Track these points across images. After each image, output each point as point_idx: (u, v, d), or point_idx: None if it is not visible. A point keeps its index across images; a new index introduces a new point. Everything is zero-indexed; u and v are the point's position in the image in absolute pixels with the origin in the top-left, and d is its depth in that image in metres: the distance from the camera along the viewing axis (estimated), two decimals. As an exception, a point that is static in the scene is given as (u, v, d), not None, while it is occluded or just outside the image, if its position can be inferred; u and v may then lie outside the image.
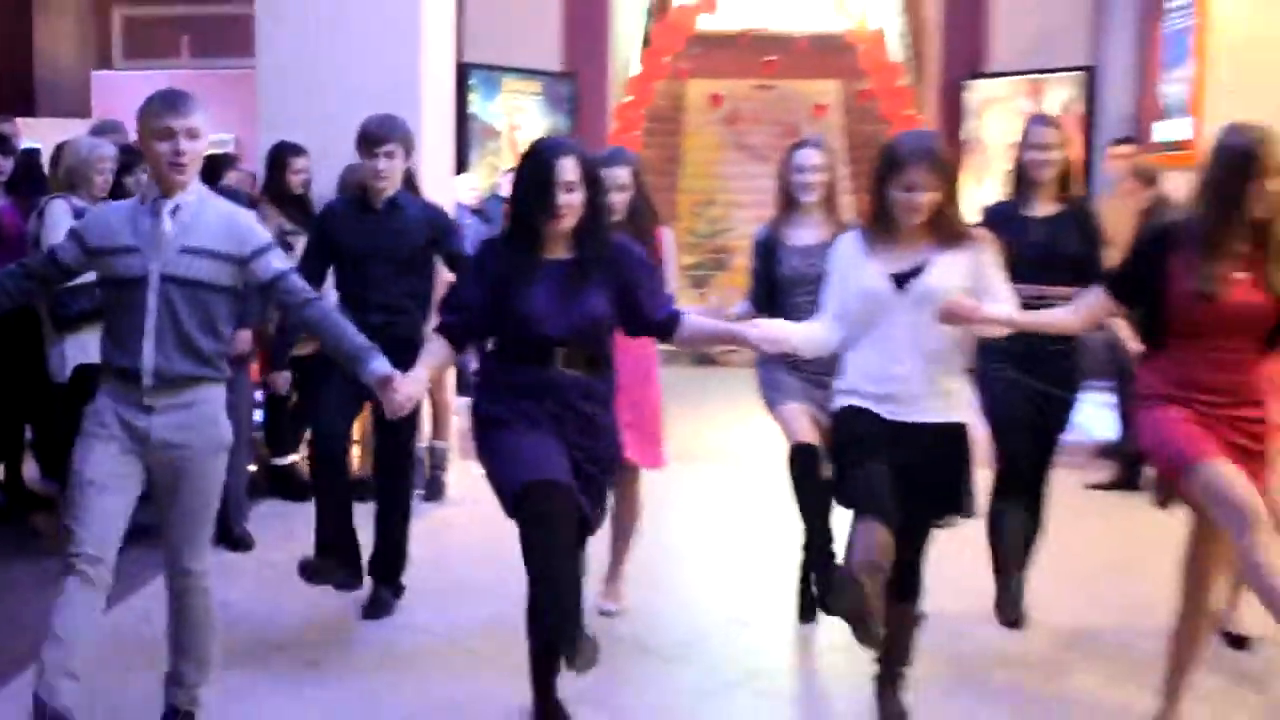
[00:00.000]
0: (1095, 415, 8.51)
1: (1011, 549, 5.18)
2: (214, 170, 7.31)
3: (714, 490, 7.43)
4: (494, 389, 4.05)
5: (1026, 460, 5.11)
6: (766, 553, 6.14)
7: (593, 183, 3.94)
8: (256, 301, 5.23)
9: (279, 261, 3.95)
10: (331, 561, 5.15)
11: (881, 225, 4.08)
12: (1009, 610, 5.27)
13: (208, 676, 4.11)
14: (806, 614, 5.30)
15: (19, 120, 8.80)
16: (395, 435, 5.30)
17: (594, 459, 4.01)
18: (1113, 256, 6.11)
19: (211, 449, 3.95)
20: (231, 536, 6.12)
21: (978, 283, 4.07)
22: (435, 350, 4.09)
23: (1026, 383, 4.99)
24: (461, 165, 10.57)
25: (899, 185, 3.98)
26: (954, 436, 4.09)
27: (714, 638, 5.17)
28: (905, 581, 4.12)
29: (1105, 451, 8.19)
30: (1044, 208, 5.19)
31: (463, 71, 11.98)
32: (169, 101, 3.81)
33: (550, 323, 3.89)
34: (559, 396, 3.93)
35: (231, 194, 6.19)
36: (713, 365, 12.59)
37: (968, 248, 4.08)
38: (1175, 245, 3.97)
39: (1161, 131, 8.62)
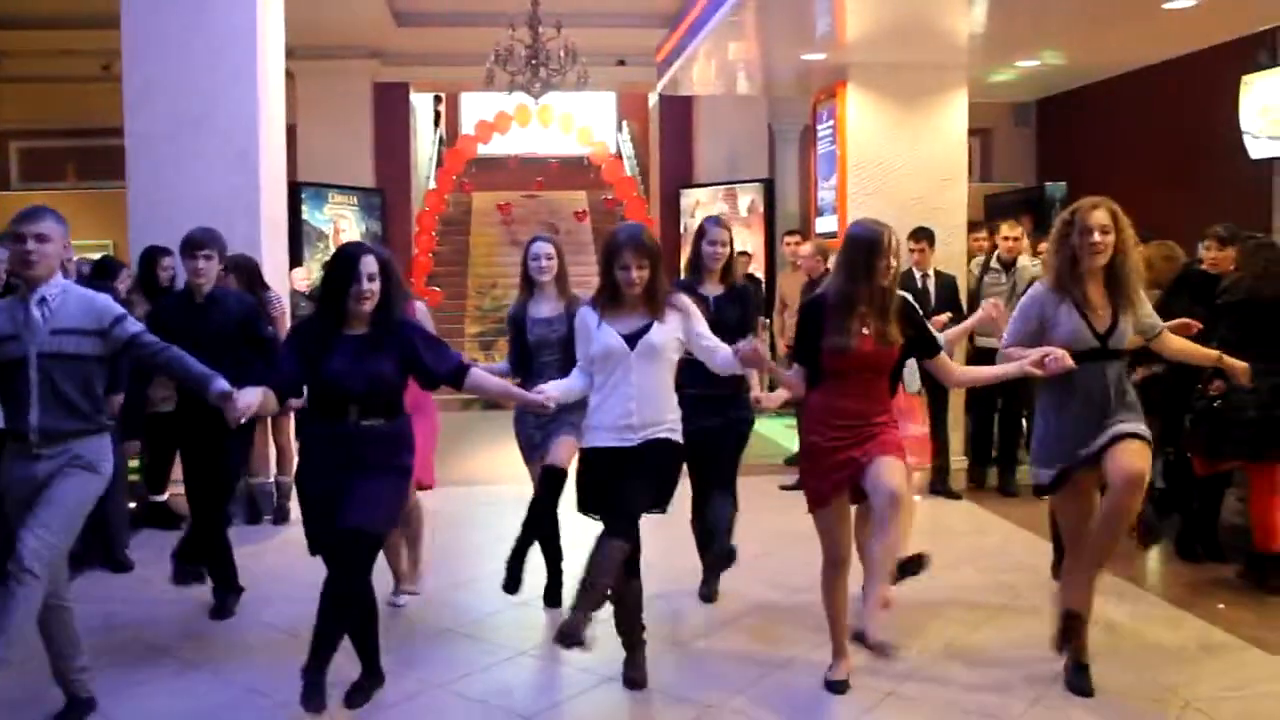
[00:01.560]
0: (784, 434, 8.79)
1: (709, 534, 5.13)
2: (107, 270, 6.91)
3: (496, 504, 7.35)
4: (304, 448, 4.04)
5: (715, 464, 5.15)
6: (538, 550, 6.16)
7: (386, 274, 3.92)
8: (124, 371, 5.04)
9: (132, 326, 3.88)
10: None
11: (610, 298, 4.13)
12: (706, 589, 5.37)
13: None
14: (511, 587, 4.94)
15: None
16: (214, 471, 5.09)
17: (382, 480, 3.90)
18: (790, 316, 6.32)
19: (79, 466, 3.79)
20: (114, 560, 5.83)
21: (688, 335, 4.16)
22: (266, 392, 3.86)
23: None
24: (297, 260, 10.33)
25: (619, 266, 4.07)
26: (667, 449, 4.15)
27: (501, 617, 5.12)
28: (631, 562, 4.17)
29: (791, 460, 8.46)
30: (713, 288, 5.15)
31: (296, 188, 11.80)
32: (23, 214, 3.76)
33: (346, 382, 3.84)
34: (350, 446, 3.87)
35: (107, 289, 5.97)
36: (499, 409, 12.52)
37: (676, 310, 4.16)
38: (824, 311, 4.11)
39: (821, 225, 8.96)
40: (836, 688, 4.20)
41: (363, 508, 3.81)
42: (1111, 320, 4.07)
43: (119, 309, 3.89)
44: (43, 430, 3.71)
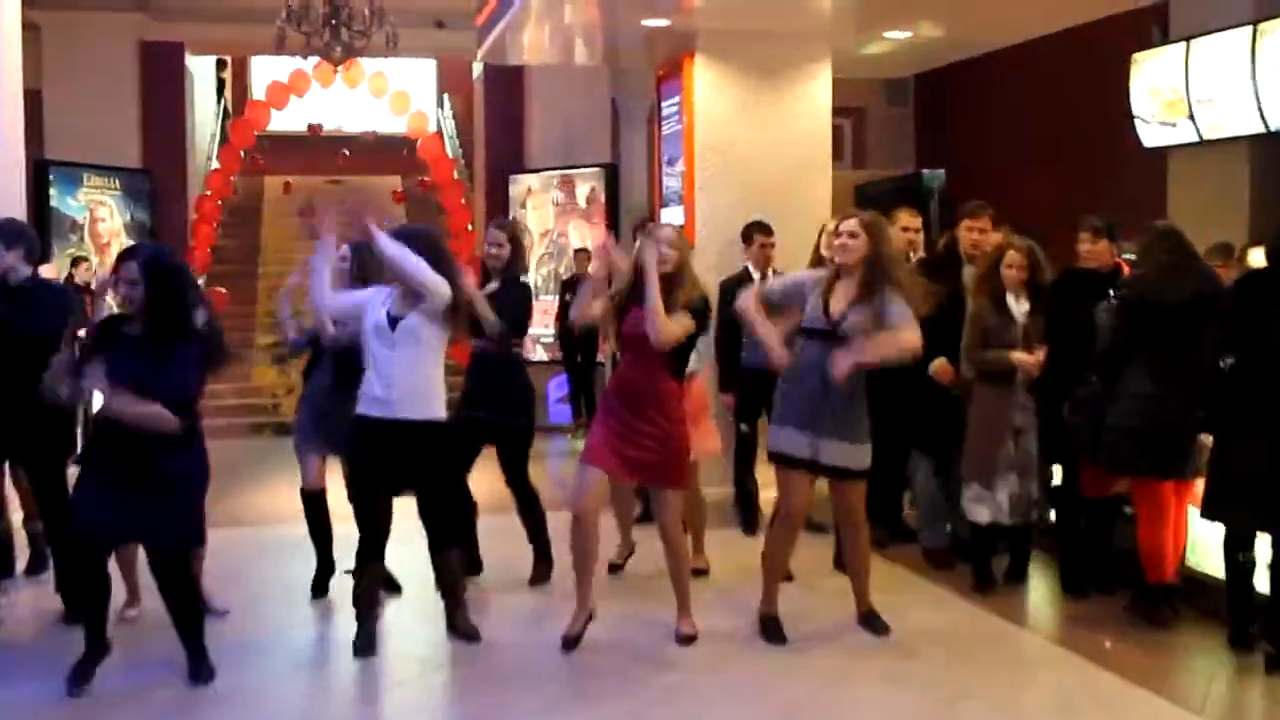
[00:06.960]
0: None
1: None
2: None
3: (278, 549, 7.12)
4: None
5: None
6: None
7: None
8: None
9: None
10: None
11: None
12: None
13: None
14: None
15: None
16: None
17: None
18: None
19: None
20: None
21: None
22: None
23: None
24: (44, 255, 9.89)
25: None
26: (432, 426, 5.08)
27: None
28: (440, 535, 5.23)
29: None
30: (494, 286, 6.11)
31: (42, 168, 11.37)
32: None
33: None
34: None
35: None
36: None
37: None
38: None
39: (666, 217, 8.98)
40: (568, 643, 5.08)
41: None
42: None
43: None
44: None
